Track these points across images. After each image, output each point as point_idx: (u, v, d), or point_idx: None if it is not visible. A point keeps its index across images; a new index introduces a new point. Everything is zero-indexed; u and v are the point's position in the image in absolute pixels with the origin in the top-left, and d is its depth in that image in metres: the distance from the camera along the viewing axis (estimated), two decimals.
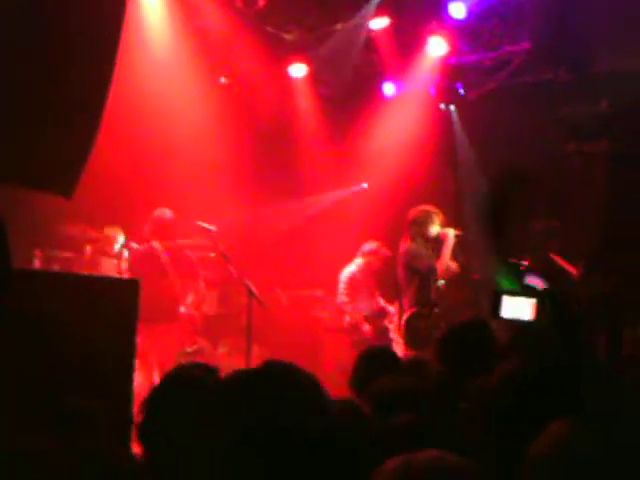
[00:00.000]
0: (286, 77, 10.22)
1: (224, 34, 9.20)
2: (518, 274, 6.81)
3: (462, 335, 4.04)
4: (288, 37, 9.76)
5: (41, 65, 5.55)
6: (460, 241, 7.91)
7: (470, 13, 9.18)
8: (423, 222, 7.80)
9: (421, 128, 10.38)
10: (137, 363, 5.58)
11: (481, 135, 10.23)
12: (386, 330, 8.79)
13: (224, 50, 9.47)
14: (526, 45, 9.46)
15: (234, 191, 9.88)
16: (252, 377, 1.95)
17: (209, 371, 2.88)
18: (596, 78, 9.50)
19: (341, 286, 9.00)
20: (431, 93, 10.51)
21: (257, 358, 8.30)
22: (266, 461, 1.80)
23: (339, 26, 9.68)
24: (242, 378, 1.96)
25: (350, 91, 10.53)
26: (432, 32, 9.52)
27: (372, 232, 9.45)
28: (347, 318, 9.02)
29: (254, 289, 7.73)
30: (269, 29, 9.59)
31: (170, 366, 3.05)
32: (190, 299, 8.46)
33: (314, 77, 10.35)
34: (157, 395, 2.80)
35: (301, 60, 10.01)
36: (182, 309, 8.29)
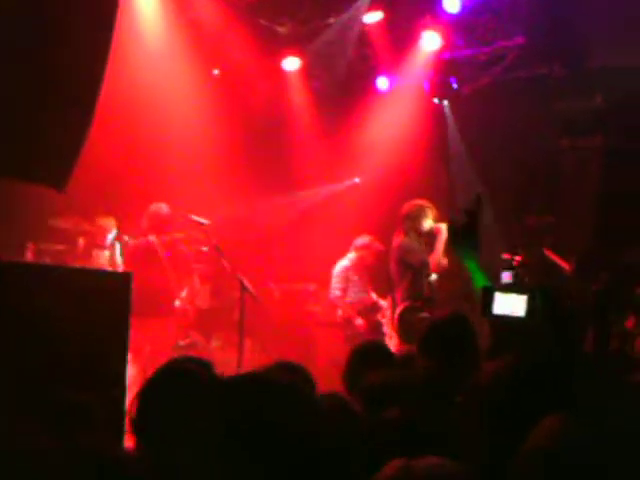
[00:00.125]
0: (279, 70, 10.20)
1: (217, 26, 9.18)
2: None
3: (443, 330, 4.04)
4: (281, 30, 9.74)
5: (33, 59, 5.52)
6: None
7: (464, 8, 9.17)
8: (416, 217, 7.80)
9: (414, 123, 10.38)
10: (130, 356, 5.58)
11: (475, 130, 10.23)
12: (379, 324, 8.80)
13: (217, 43, 9.45)
14: (520, 40, 9.46)
15: (227, 185, 9.87)
16: (244, 376, 1.96)
17: (202, 365, 2.88)
18: (590, 73, 9.50)
19: (334, 280, 9.01)
20: (424, 88, 10.51)
21: (250, 352, 8.32)
22: (251, 455, 1.81)
23: (332, 20, 9.66)
24: (236, 377, 1.97)
25: (343, 85, 10.52)
26: (426, 26, 9.51)
27: (365, 226, 9.45)
28: (340, 312, 9.03)
29: (247, 283, 7.73)
30: (262, 22, 9.57)
31: (163, 360, 3.04)
32: (184, 293, 8.48)
33: (307, 71, 10.34)
34: (150, 388, 2.80)
35: (294, 53, 10.00)
36: (177, 303, 8.30)
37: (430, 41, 9.61)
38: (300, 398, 1.94)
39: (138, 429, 2.75)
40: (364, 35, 9.84)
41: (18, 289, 4.65)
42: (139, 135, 9.12)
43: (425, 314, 7.45)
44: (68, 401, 3.36)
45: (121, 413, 4.22)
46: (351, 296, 8.96)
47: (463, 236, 3.53)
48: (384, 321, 8.74)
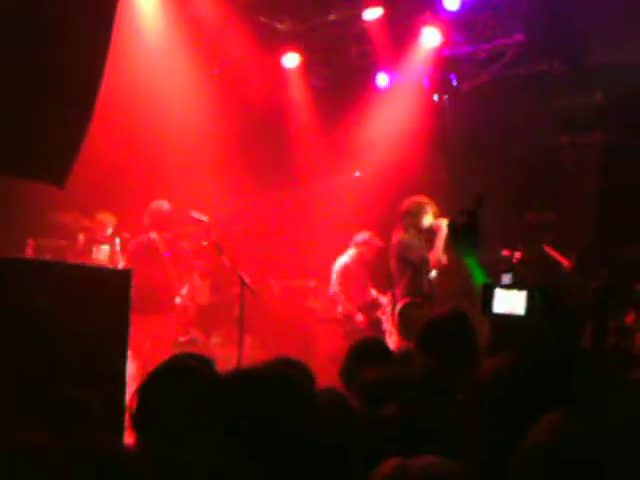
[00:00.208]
0: (279, 67, 10.20)
1: (217, 23, 9.17)
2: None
3: (441, 327, 4.04)
4: (281, 27, 9.73)
5: (33, 57, 5.52)
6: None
7: (464, 4, 9.16)
8: (416, 213, 7.80)
9: (414, 119, 10.38)
10: (131, 353, 5.58)
11: (475, 127, 10.23)
12: (379, 321, 8.80)
13: (217, 39, 9.44)
14: (520, 37, 9.45)
15: (227, 181, 9.88)
16: (244, 372, 1.96)
17: (203, 361, 2.89)
18: (590, 70, 9.50)
19: (334, 277, 9.01)
20: (424, 84, 10.50)
21: (250, 348, 8.32)
22: (251, 450, 1.81)
23: (332, 16, 9.65)
24: (234, 374, 1.97)
25: (343, 82, 10.51)
26: (426, 23, 9.50)
27: (365, 223, 9.45)
28: (340, 309, 9.03)
29: (247, 279, 7.74)
30: (262, 19, 9.56)
31: (164, 357, 3.05)
32: (185, 290, 8.50)
33: (307, 67, 10.33)
34: (150, 385, 2.80)
35: (294, 50, 9.99)
36: (177, 300, 8.32)
37: (430, 38, 9.60)
38: (299, 392, 1.94)
39: (138, 425, 2.76)
40: (364, 32, 9.83)
41: (18, 286, 4.65)
42: (139, 131, 9.13)
43: (425, 311, 7.45)
44: (68, 398, 3.37)
45: (121, 410, 4.23)
46: (351, 292, 8.96)
47: (463, 234, 3.53)
48: (384, 318, 8.74)
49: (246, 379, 1.97)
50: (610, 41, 9.00)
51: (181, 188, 9.01)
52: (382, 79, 10.58)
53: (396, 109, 10.43)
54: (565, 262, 8.24)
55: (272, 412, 1.85)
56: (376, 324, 8.76)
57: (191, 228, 8.64)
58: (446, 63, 10.16)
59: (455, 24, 9.54)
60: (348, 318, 8.82)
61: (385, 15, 9.48)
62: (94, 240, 8.35)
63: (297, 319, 10.10)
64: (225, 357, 8.06)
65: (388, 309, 8.51)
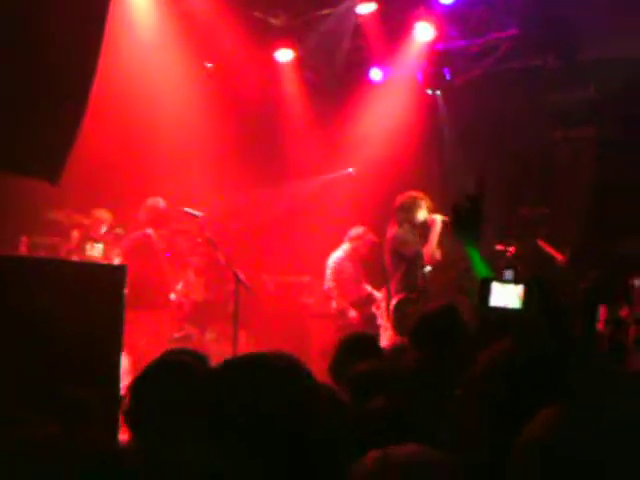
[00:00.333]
0: (273, 62, 10.18)
1: (210, 18, 9.15)
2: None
3: (433, 323, 4.05)
4: (275, 22, 9.71)
5: (25, 52, 5.50)
6: (447, 227, 7.91)
7: None
8: (410, 208, 7.80)
9: (408, 114, 10.37)
10: (126, 349, 5.58)
11: (468, 121, 10.23)
12: (373, 316, 8.80)
13: (210, 35, 9.41)
14: (514, 31, 9.45)
15: (220, 177, 9.86)
16: (236, 365, 1.95)
17: (196, 357, 2.89)
18: (584, 65, 9.50)
19: (328, 272, 9.00)
20: (418, 79, 10.50)
21: (244, 344, 8.32)
22: (248, 446, 1.80)
23: (327, 11, 9.64)
24: (227, 366, 1.96)
25: (337, 76, 10.50)
26: (419, 18, 9.49)
27: (359, 218, 9.44)
28: (334, 304, 9.03)
29: (241, 275, 7.74)
30: (256, 14, 9.54)
31: (158, 352, 3.05)
32: (180, 286, 8.50)
33: (301, 62, 10.31)
34: (144, 381, 2.80)
35: (288, 45, 9.97)
36: (172, 296, 8.33)
37: (424, 32, 9.58)
38: (296, 380, 1.94)
39: (132, 422, 2.75)
40: (358, 26, 9.81)
41: (12, 283, 4.64)
42: (132, 127, 9.10)
43: (420, 306, 7.45)
44: (62, 395, 3.36)
45: (115, 406, 4.22)
46: (345, 288, 8.95)
47: (466, 221, 3.51)
48: (378, 313, 8.74)
49: (240, 368, 1.96)
50: (603, 36, 9.00)
51: (175, 184, 8.99)
52: (376, 74, 10.57)
53: (390, 104, 10.42)
54: (559, 257, 8.25)
55: (269, 402, 1.85)
56: (370, 319, 8.76)
57: (186, 224, 8.64)
58: (440, 57, 10.16)
59: (449, 18, 9.53)
60: (342, 313, 8.82)
61: (379, 10, 9.46)
62: (88, 237, 8.34)
63: (291, 315, 10.09)
64: (220, 353, 8.05)
65: (382, 304, 8.51)
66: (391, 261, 7.82)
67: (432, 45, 9.87)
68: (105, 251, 8.23)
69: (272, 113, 10.58)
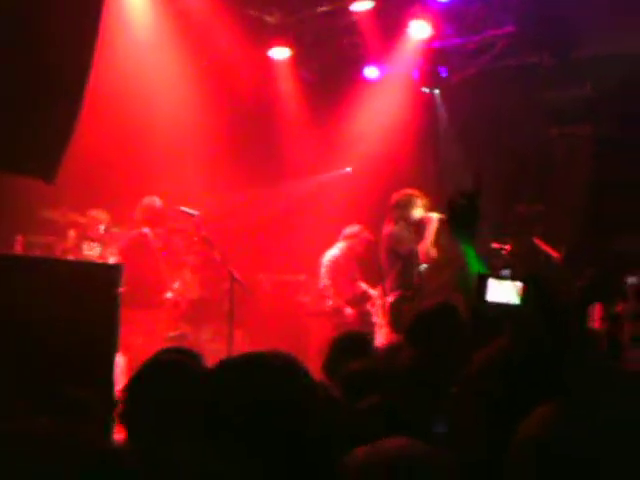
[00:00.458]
0: (268, 60, 10.17)
1: (206, 16, 9.13)
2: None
3: (429, 321, 4.04)
4: (270, 20, 9.70)
5: (20, 50, 5.49)
6: (443, 225, 7.90)
7: None
8: (405, 206, 7.80)
9: (404, 111, 10.37)
10: (122, 348, 5.57)
11: (464, 119, 10.23)
12: (368, 314, 8.80)
13: (205, 33, 9.40)
14: (510, 29, 9.44)
15: (216, 175, 9.85)
16: (233, 365, 1.94)
17: (190, 356, 2.88)
18: (580, 62, 9.50)
19: (323, 270, 8.99)
20: (414, 77, 10.49)
21: (240, 343, 8.31)
22: (246, 446, 1.80)
23: (322, 9, 9.62)
24: (224, 366, 1.96)
25: (333, 74, 10.49)
26: (415, 15, 9.48)
27: (355, 216, 9.44)
28: (329, 302, 9.02)
29: (237, 274, 7.73)
30: (251, 12, 9.52)
31: (154, 352, 3.04)
32: (176, 285, 8.50)
33: (297, 60, 10.30)
34: (138, 380, 2.79)
35: (283, 43, 9.96)
36: (168, 295, 8.33)
37: (420, 30, 9.57)
38: (293, 379, 1.93)
39: (127, 421, 2.75)
40: (353, 24, 9.80)
41: (6, 282, 4.63)
42: (128, 126, 9.09)
43: (416, 304, 7.45)
44: (60, 394, 3.35)
45: (111, 405, 4.21)
46: (340, 286, 8.95)
47: (462, 220, 3.52)
48: (373, 310, 8.74)
49: (237, 368, 1.95)
50: (600, 33, 9.00)
51: (171, 183, 8.98)
52: (372, 71, 10.56)
53: (386, 102, 10.42)
54: (555, 254, 8.24)
55: (264, 402, 1.84)
56: (365, 317, 8.76)
57: (182, 223, 8.64)
58: (436, 55, 10.15)
59: (445, 16, 9.51)
60: (337, 311, 8.81)
61: (375, 7, 9.45)
62: (85, 236, 8.32)
63: (287, 313, 10.09)
64: (215, 352, 8.04)
65: (378, 302, 8.51)
66: (386, 259, 7.82)
67: (428, 43, 9.86)
68: (101, 250, 8.22)
69: (268, 111, 10.57)
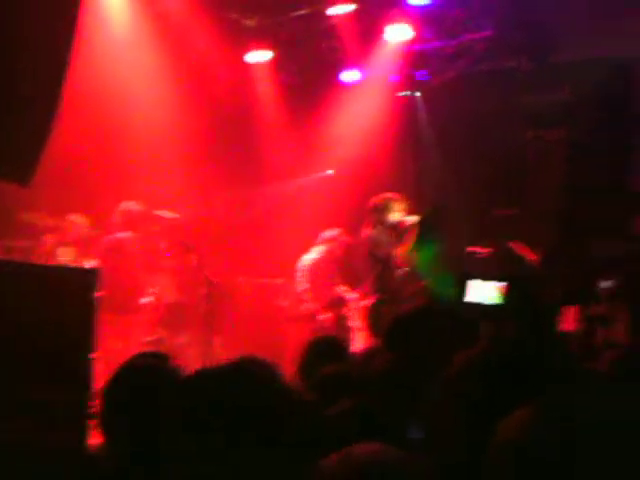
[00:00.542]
0: (247, 63, 10.16)
1: (185, 19, 9.11)
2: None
3: (407, 324, 4.04)
4: (249, 23, 9.69)
5: None
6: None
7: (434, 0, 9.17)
8: (384, 209, 7.81)
9: (383, 115, 10.38)
10: (100, 354, 5.54)
11: (443, 122, 10.26)
12: (346, 318, 8.79)
13: (185, 35, 9.38)
14: (488, 33, 9.48)
15: (195, 178, 9.82)
16: (211, 372, 1.94)
17: (166, 360, 2.88)
18: (557, 67, 9.56)
19: (301, 274, 8.99)
20: (393, 80, 10.51)
21: (218, 347, 8.28)
22: (221, 451, 1.79)
23: (301, 12, 9.63)
24: (202, 373, 1.96)
25: (312, 78, 10.49)
26: (394, 19, 9.50)
27: (334, 219, 9.44)
28: (306, 306, 9.01)
29: (213, 278, 7.72)
30: (230, 15, 9.51)
31: (131, 356, 3.04)
32: (154, 290, 8.47)
33: (276, 63, 10.30)
34: (115, 384, 2.79)
35: (262, 46, 9.95)
36: (146, 299, 8.29)
37: (399, 33, 9.59)
38: (269, 386, 1.93)
39: (103, 426, 2.75)
40: (332, 27, 9.81)
41: None
42: (105, 128, 9.06)
43: (394, 307, 7.46)
44: (33, 399, 3.33)
45: (86, 410, 4.19)
46: (319, 289, 8.94)
47: (429, 231, 3.55)
48: (351, 314, 8.74)
49: (215, 377, 1.95)
50: (577, 38, 9.07)
51: (149, 186, 8.95)
52: (351, 75, 10.57)
53: (365, 105, 10.43)
54: (532, 257, 8.28)
55: (241, 409, 1.84)
56: (343, 321, 8.75)
57: (159, 227, 8.61)
58: (415, 59, 10.18)
59: (424, 19, 9.54)
60: (314, 315, 8.81)
61: (353, 11, 9.46)
62: (62, 241, 8.29)
63: (266, 317, 10.06)
64: (192, 356, 8.04)
65: (356, 306, 8.51)
66: (365, 262, 7.83)
67: (407, 46, 9.89)
68: (78, 255, 8.19)
69: (247, 114, 10.55)
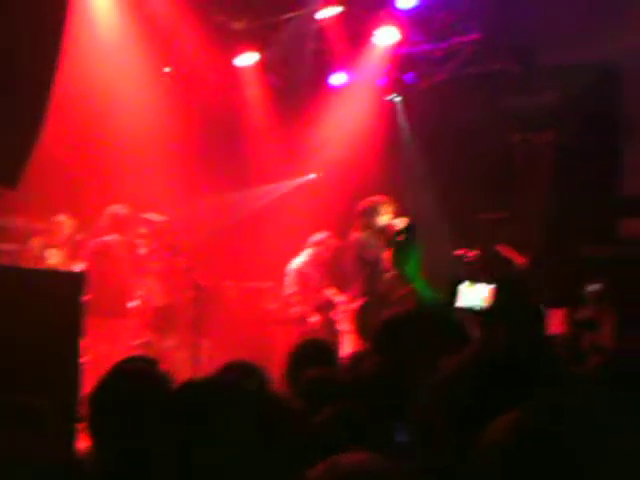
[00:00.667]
0: (234, 66, 10.14)
1: (172, 22, 9.10)
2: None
3: (395, 328, 4.04)
4: (237, 26, 9.68)
5: None
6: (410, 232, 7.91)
7: (421, 2, 9.18)
8: (372, 213, 7.81)
9: (371, 118, 10.39)
10: (87, 357, 5.52)
11: (430, 126, 10.27)
12: (334, 321, 8.79)
13: (172, 38, 9.36)
14: (476, 36, 9.51)
15: (183, 182, 9.80)
16: (197, 387, 1.94)
17: (153, 364, 2.88)
18: (544, 70, 9.59)
19: (290, 277, 8.98)
20: (381, 83, 10.52)
21: (206, 351, 8.27)
22: (212, 456, 1.79)
23: (290, 15, 9.63)
24: (189, 386, 1.95)
25: (300, 81, 10.49)
26: (383, 21, 9.51)
27: (322, 222, 9.44)
28: (294, 309, 9.00)
29: (201, 281, 7.71)
30: (218, 18, 9.50)
31: (119, 360, 3.04)
32: (141, 293, 8.45)
33: (264, 66, 10.29)
34: (102, 389, 2.78)
35: (250, 49, 9.95)
36: (134, 303, 8.27)
37: (387, 36, 9.61)
38: (258, 396, 1.93)
39: (91, 430, 2.74)
40: (320, 30, 9.81)
41: None
42: (92, 130, 9.04)
43: (383, 311, 7.46)
44: (19, 404, 3.31)
45: (74, 415, 4.18)
46: (307, 293, 8.94)
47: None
48: (340, 318, 8.73)
49: (199, 387, 1.94)
50: (564, 42, 9.10)
51: (136, 188, 8.92)
52: (338, 78, 10.57)
53: (353, 108, 10.43)
54: (519, 260, 8.31)
55: (231, 420, 1.83)
56: (331, 324, 8.75)
57: (147, 230, 8.59)
58: (403, 62, 10.19)
59: (412, 22, 9.56)
60: (303, 319, 8.81)
61: (341, 14, 9.48)
62: (49, 243, 8.26)
63: (254, 321, 10.04)
64: (180, 360, 8.02)
65: (344, 309, 8.50)
66: (353, 266, 7.83)
67: (395, 49, 9.90)
68: (65, 258, 8.16)
69: (234, 117, 10.54)
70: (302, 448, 2.04)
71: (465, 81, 9.93)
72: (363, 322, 7.59)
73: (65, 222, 8.44)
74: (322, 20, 9.60)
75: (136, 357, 3.13)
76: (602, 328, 6.77)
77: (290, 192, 10.92)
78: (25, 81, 5.65)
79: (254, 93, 10.53)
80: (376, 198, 7.97)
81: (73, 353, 4.98)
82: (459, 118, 9.88)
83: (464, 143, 9.89)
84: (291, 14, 9.58)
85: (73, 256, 8.24)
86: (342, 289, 8.69)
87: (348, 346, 7.68)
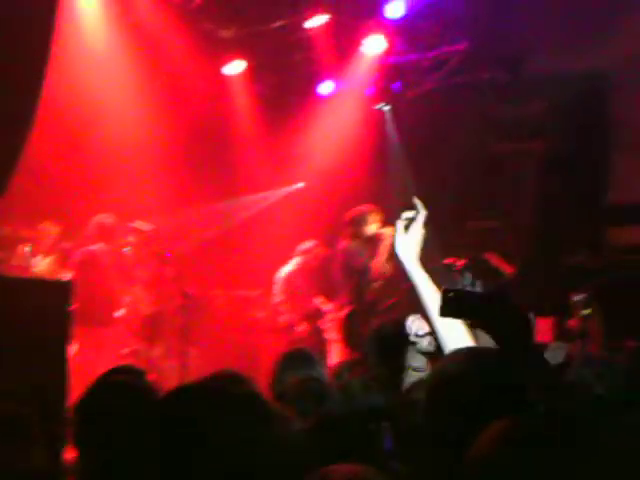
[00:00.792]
0: (222, 74, 10.14)
1: (160, 30, 9.09)
2: None
3: (383, 337, 4.05)
4: (225, 34, 9.68)
5: None
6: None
7: (409, 12, 9.19)
8: (360, 222, 7.83)
9: (359, 127, 10.39)
10: (74, 366, 5.49)
11: (418, 135, 10.27)
12: (322, 330, 8.78)
13: (160, 46, 9.35)
14: (463, 45, 9.53)
15: (171, 190, 9.77)
16: (188, 394, 1.92)
17: (137, 374, 2.87)
18: (532, 79, 9.62)
19: (277, 286, 8.98)
20: (368, 92, 10.53)
21: (194, 359, 8.24)
22: (201, 465, 1.78)
23: (278, 23, 9.63)
24: (180, 394, 1.93)
25: (288, 89, 10.49)
26: (371, 31, 9.53)
27: (310, 231, 9.44)
28: (282, 318, 8.99)
29: (189, 290, 7.69)
30: (206, 25, 9.50)
31: (107, 368, 3.03)
32: (128, 302, 8.43)
33: (252, 75, 10.29)
34: (88, 400, 2.77)
35: (238, 58, 9.95)
36: (121, 312, 8.24)
37: (374, 45, 9.63)
38: (249, 409, 1.92)
39: (77, 441, 2.73)
40: (309, 39, 9.82)
41: None
42: (79, 139, 9.00)
43: (370, 320, 7.46)
44: (5, 413, 3.29)
45: (59, 424, 4.14)
46: (295, 301, 8.93)
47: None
48: (327, 326, 8.73)
49: (184, 397, 1.93)
50: (552, 51, 9.14)
51: (125, 197, 8.90)
52: (326, 87, 10.58)
53: (341, 117, 10.44)
54: (507, 270, 8.32)
55: (210, 430, 1.82)
56: (319, 333, 8.74)
57: (134, 238, 8.56)
58: (390, 71, 10.20)
59: (400, 32, 9.58)
60: (291, 327, 8.80)
61: (329, 23, 9.49)
62: (35, 251, 8.22)
63: (242, 329, 10.02)
64: (168, 368, 7.99)
65: (332, 317, 8.50)
66: (341, 275, 7.84)
67: (383, 58, 9.91)
68: (52, 266, 8.13)
69: (222, 125, 10.53)
70: (291, 454, 2.03)
71: (453, 90, 9.94)
72: (350, 331, 7.59)
73: (51, 230, 8.41)
74: (310, 29, 9.60)
75: (123, 367, 3.11)
76: (590, 337, 6.78)
77: (278, 201, 10.91)
78: (11, 89, 5.63)
79: (242, 101, 10.52)
80: (364, 207, 7.98)
81: (60, 362, 4.95)
82: (447, 127, 9.89)
83: (452, 152, 9.90)
84: (279, 23, 9.58)
85: (60, 264, 8.21)
86: (330, 297, 8.69)
87: (335, 354, 7.68)
